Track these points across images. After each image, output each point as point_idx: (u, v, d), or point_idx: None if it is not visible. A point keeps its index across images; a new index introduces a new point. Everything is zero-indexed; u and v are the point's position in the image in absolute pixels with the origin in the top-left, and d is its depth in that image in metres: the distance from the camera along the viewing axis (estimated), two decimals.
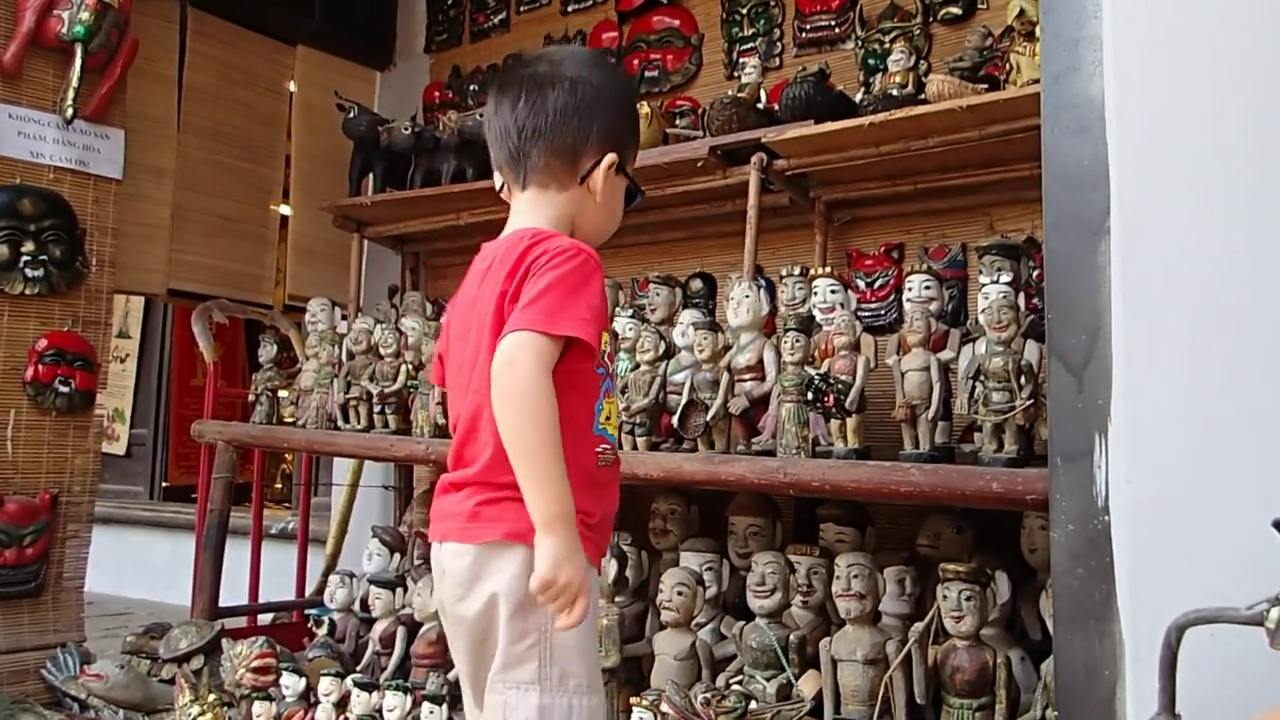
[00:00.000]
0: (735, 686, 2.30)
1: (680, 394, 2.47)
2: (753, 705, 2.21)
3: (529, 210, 1.53)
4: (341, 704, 2.58)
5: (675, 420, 2.48)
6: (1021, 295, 2.32)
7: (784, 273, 2.63)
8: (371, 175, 3.70)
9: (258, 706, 2.62)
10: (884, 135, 2.59)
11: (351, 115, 3.64)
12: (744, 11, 3.40)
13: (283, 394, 3.48)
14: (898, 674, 2.17)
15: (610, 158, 1.52)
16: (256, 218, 4.01)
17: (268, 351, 3.48)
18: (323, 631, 3.12)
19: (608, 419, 1.49)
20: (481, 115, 3.40)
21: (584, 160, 1.51)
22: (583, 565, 1.35)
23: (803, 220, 3.00)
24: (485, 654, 1.47)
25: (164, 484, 6.61)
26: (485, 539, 1.43)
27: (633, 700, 2.30)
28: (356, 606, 3.17)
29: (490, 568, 1.43)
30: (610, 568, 2.52)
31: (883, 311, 2.87)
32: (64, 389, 3.16)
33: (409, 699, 2.49)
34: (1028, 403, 2.03)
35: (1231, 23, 1.44)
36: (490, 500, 1.44)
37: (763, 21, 3.36)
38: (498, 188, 1.60)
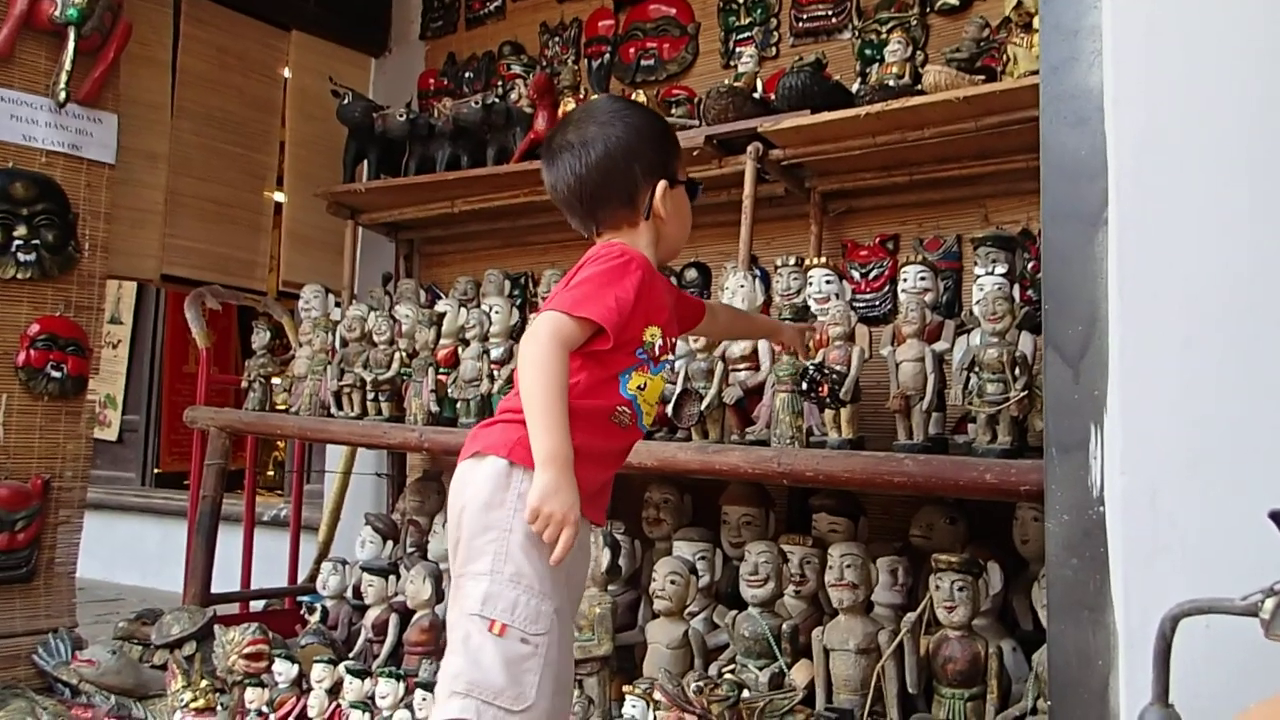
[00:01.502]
0: (728, 675, 2.30)
1: (674, 383, 2.47)
2: (745, 694, 2.22)
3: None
4: (334, 691, 2.58)
5: (669, 409, 2.47)
6: (1016, 287, 2.32)
7: (779, 263, 2.63)
8: (366, 162, 3.69)
9: (250, 693, 2.62)
10: (880, 126, 2.59)
11: (346, 102, 3.62)
12: (741, 1, 3.39)
13: (276, 381, 3.47)
14: (890, 663, 2.18)
15: (661, 187, 1.70)
16: (250, 204, 4.00)
17: (261, 338, 3.47)
18: (315, 618, 3.12)
19: (640, 389, 1.67)
20: (476, 102, 3.41)
21: (641, 200, 1.70)
22: (570, 502, 1.52)
23: (798, 210, 2.99)
24: (460, 558, 1.63)
25: (156, 470, 6.60)
26: (471, 452, 1.65)
27: (625, 689, 2.31)
28: (349, 594, 3.17)
29: (470, 476, 1.63)
30: (604, 556, 2.52)
31: (878, 302, 2.87)
32: (56, 374, 3.15)
33: (401, 686, 2.49)
34: (1022, 394, 2.03)
35: (1231, 14, 1.44)
36: (487, 424, 1.68)
37: (759, 11, 3.35)
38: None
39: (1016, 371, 2.04)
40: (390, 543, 3.25)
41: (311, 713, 2.58)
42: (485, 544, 1.58)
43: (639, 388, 1.68)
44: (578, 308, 1.59)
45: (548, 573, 1.57)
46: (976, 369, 2.10)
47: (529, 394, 1.56)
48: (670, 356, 1.78)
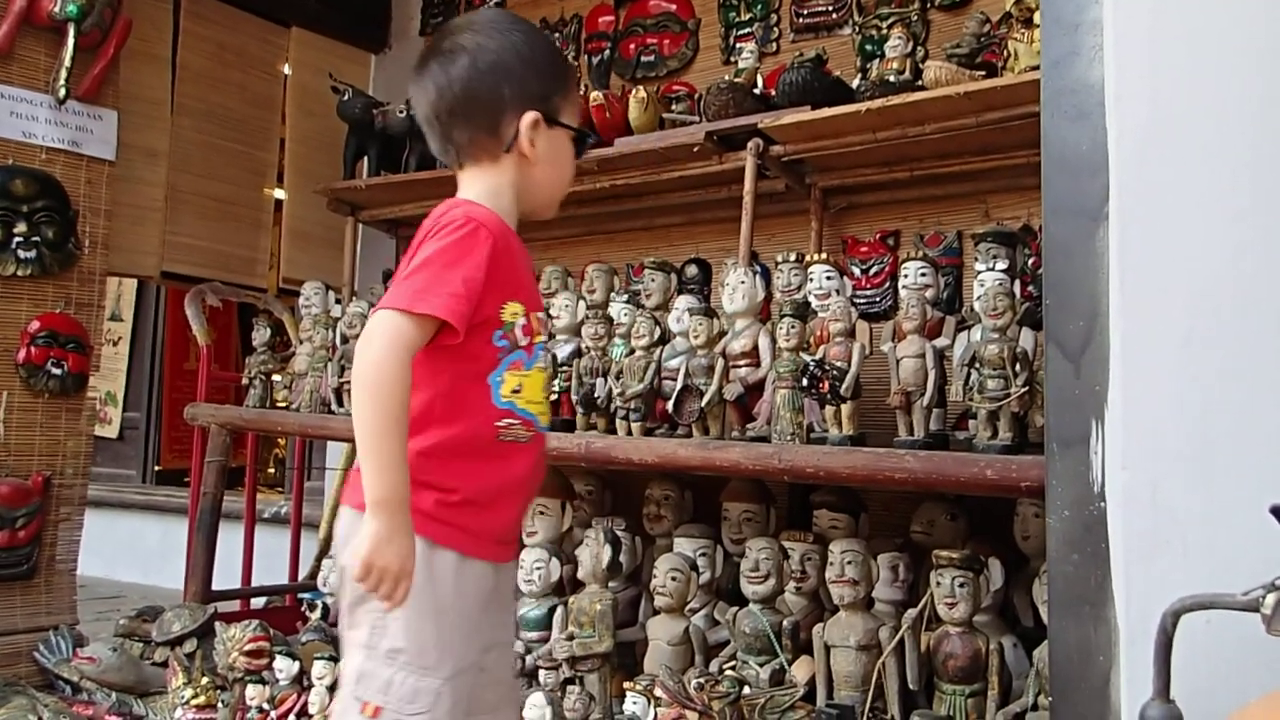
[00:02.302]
0: (728, 672, 2.30)
1: (675, 379, 2.47)
2: (746, 690, 2.22)
3: (467, 184, 1.53)
4: (334, 688, 2.58)
5: (670, 406, 2.48)
6: (1017, 283, 2.32)
7: (780, 259, 2.62)
8: (366, 158, 3.68)
9: (251, 690, 2.62)
10: (881, 121, 2.59)
11: (346, 98, 3.62)
12: None
13: (276, 378, 3.46)
14: (891, 660, 2.18)
15: (530, 117, 1.48)
16: (250, 200, 3.99)
17: (261, 335, 3.47)
18: (316, 615, 3.12)
19: (515, 392, 1.46)
20: None
21: (505, 128, 1.48)
22: (405, 551, 1.32)
23: (799, 206, 2.99)
24: (343, 618, 1.49)
25: (156, 467, 6.60)
26: (343, 501, 1.48)
27: (626, 685, 2.31)
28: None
29: (347, 533, 1.44)
30: (605, 553, 2.52)
31: (878, 298, 2.86)
32: (56, 371, 3.15)
33: None
34: (1022, 390, 2.03)
35: (1232, 9, 1.44)
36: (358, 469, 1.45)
37: (760, 6, 3.34)
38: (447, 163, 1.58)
39: (1017, 367, 2.04)
40: None
41: (312, 710, 2.58)
42: (363, 614, 1.42)
43: (514, 391, 1.46)
44: (418, 302, 1.35)
45: (435, 640, 1.41)
46: (977, 365, 2.09)
47: (359, 420, 1.33)
48: (543, 339, 1.53)
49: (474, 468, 1.43)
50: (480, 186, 1.51)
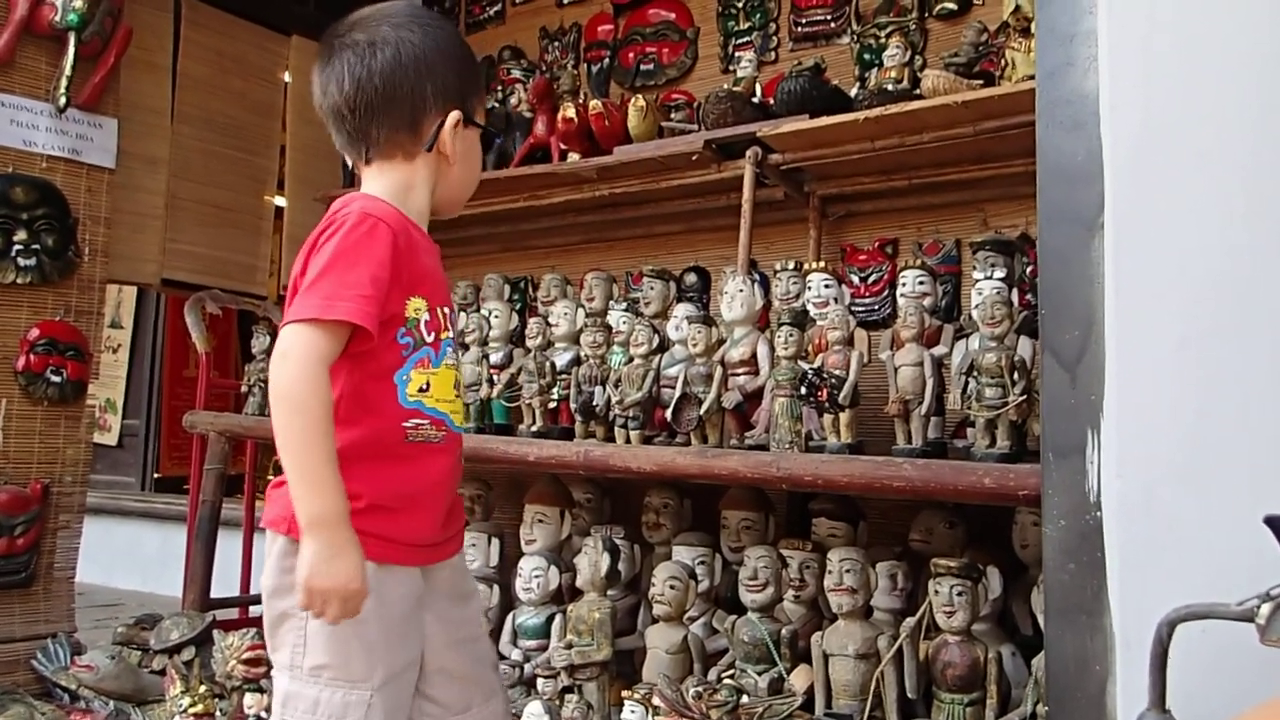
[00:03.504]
0: (727, 680, 2.30)
1: (674, 388, 2.47)
2: (744, 699, 2.22)
3: (376, 180, 1.47)
4: None
5: (669, 414, 2.48)
6: (1015, 291, 2.32)
7: (778, 267, 2.63)
8: None
9: (249, 698, 2.61)
10: (879, 130, 2.59)
11: None
12: (740, 5, 3.39)
13: None
14: (889, 669, 2.17)
15: (454, 116, 1.46)
16: (250, 208, 4.00)
17: (260, 343, 3.47)
18: None
19: (422, 390, 1.42)
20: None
21: (426, 126, 1.45)
22: (350, 568, 1.29)
23: (797, 215, 2.99)
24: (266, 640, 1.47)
25: (155, 475, 6.59)
26: (261, 522, 1.44)
27: (625, 694, 2.31)
28: None
29: (266, 550, 1.43)
30: (603, 561, 2.52)
31: (876, 306, 2.87)
32: (56, 379, 3.15)
33: None
34: (1020, 398, 2.03)
35: (1227, 19, 1.44)
36: (274, 485, 1.43)
37: (758, 15, 3.35)
38: (350, 165, 1.53)
39: (1015, 376, 2.04)
40: None
41: None
42: (284, 634, 1.40)
43: (421, 390, 1.42)
44: (327, 309, 1.31)
45: (360, 651, 1.38)
46: (975, 373, 2.09)
47: (284, 438, 1.29)
48: (449, 335, 1.49)
49: (381, 471, 1.39)
50: (389, 183, 1.47)
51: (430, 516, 1.48)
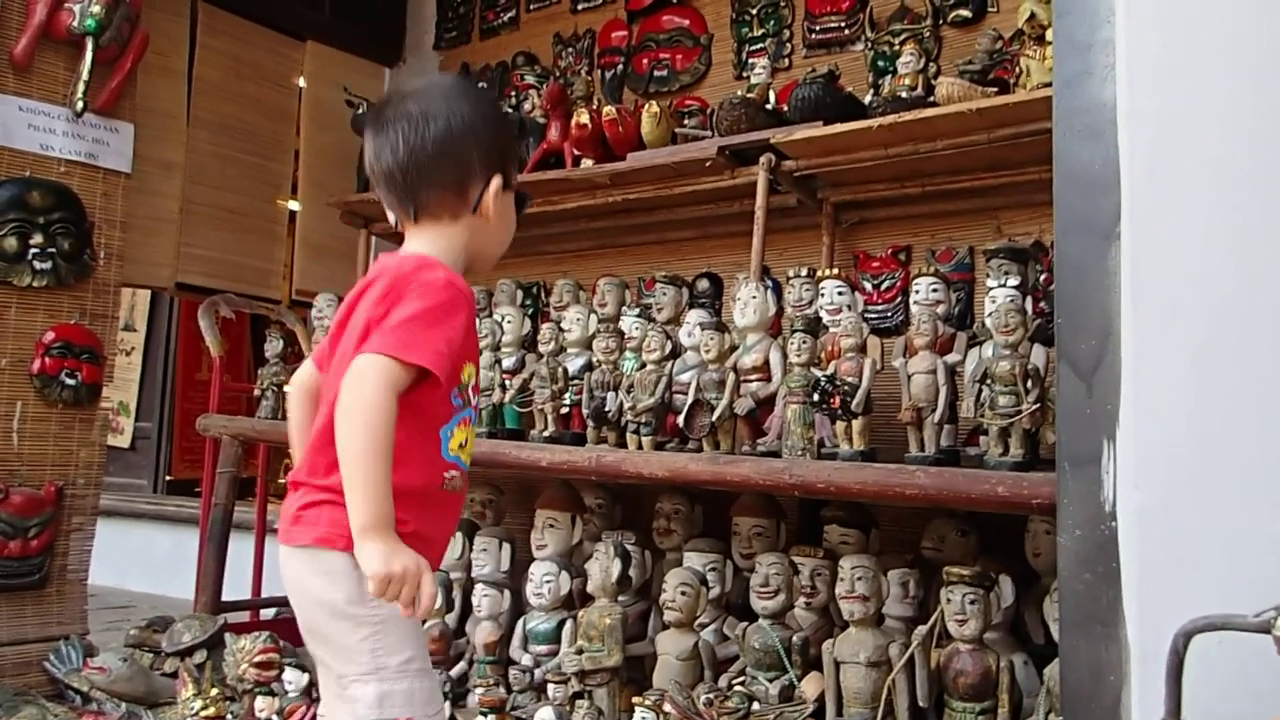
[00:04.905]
0: (738, 687, 2.30)
1: (686, 394, 2.47)
2: (755, 706, 2.22)
3: (423, 239, 1.59)
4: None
5: (681, 420, 2.48)
6: (1029, 299, 2.32)
7: (791, 274, 2.63)
8: None
9: (260, 701, 2.62)
10: (893, 137, 2.59)
11: (360, 111, 3.64)
12: (754, 12, 3.40)
13: (288, 389, 3.47)
14: (900, 677, 2.17)
15: (497, 182, 1.58)
16: (264, 212, 4.01)
17: (273, 346, 3.48)
18: None
19: (461, 446, 1.55)
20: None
21: (472, 190, 1.58)
22: (412, 555, 1.39)
23: (810, 221, 3.00)
24: (324, 654, 1.55)
25: (168, 478, 6.61)
26: (300, 540, 1.51)
27: (635, 700, 2.30)
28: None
29: (308, 575, 1.51)
30: (614, 567, 2.52)
31: (889, 314, 2.87)
32: (70, 382, 3.16)
33: None
34: (1034, 406, 2.03)
35: (1243, 30, 1.44)
36: (309, 505, 1.51)
37: (772, 22, 3.35)
38: (391, 222, 1.64)
39: (1029, 384, 2.04)
40: None
41: None
42: (360, 643, 1.47)
43: (460, 445, 1.55)
44: (410, 353, 1.43)
45: (424, 642, 1.56)
46: (989, 381, 2.09)
47: (352, 451, 1.40)
48: (476, 397, 1.64)
49: (421, 510, 1.50)
50: (443, 244, 1.59)
51: (440, 553, 1.63)
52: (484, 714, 2.42)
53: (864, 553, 2.43)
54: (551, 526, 2.82)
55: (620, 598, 2.59)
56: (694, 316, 2.66)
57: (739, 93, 2.95)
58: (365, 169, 1.65)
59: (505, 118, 1.72)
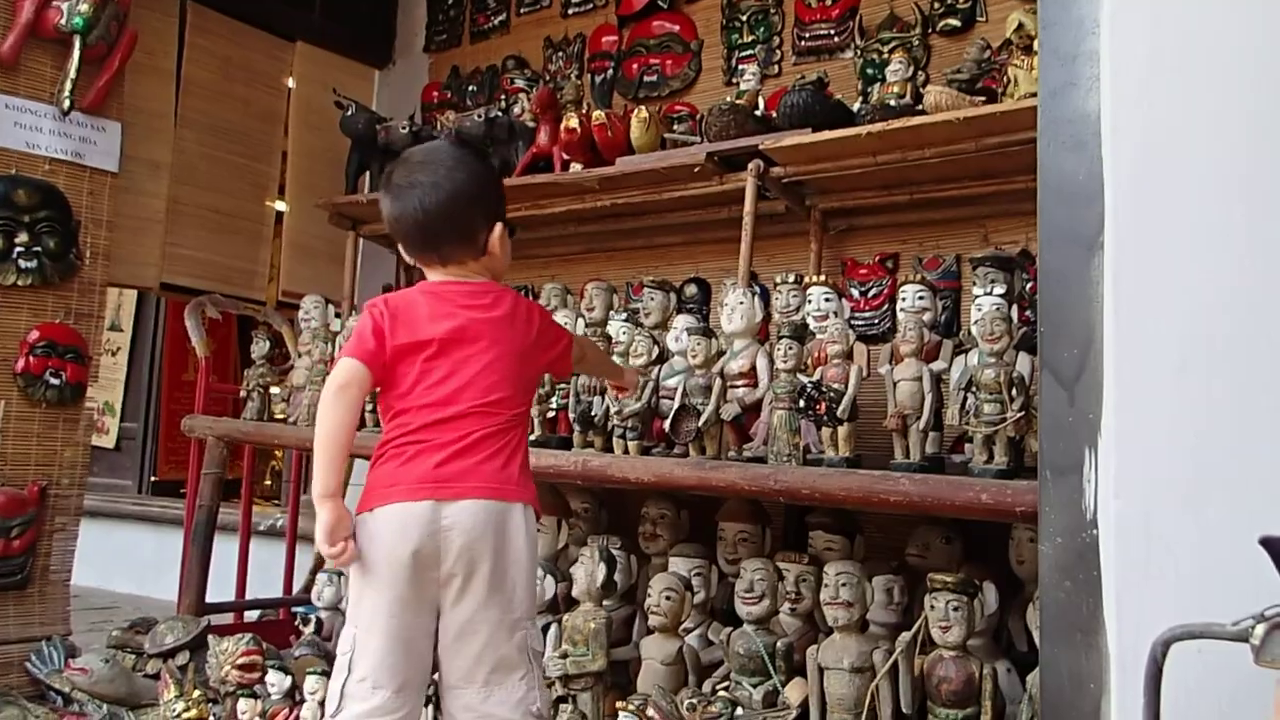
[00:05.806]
0: (722, 693, 2.30)
1: (673, 399, 2.47)
2: (739, 712, 2.22)
3: (466, 275, 1.94)
4: (325, 702, 2.57)
5: (667, 425, 2.48)
6: (1014, 307, 2.33)
7: (778, 280, 2.63)
8: (368, 173, 3.70)
9: (243, 704, 2.61)
10: (881, 145, 2.60)
11: (349, 113, 3.64)
12: (744, 18, 3.41)
13: (274, 391, 3.47)
14: (884, 683, 2.17)
15: (499, 228, 1.93)
16: (252, 213, 4.01)
17: (260, 348, 3.47)
18: (309, 630, 3.11)
19: None
20: (479, 115, 3.42)
21: (480, 239, 1.92)
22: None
23: (798, 228, 3.00)
24: (498, 600, 1.80)
25: (153, 478, 6.58)
26: (515, 498, 1.83)
27: (619, 704, 2.30)
28: (344, 605, 3.16)
29: (517, 526, 1.83)
30: (600, 571, 2.52)
31: (876, 321, 2.88)
32: (54, 381, 3.15)
33: None
34: (1019, 415, 2.04)
35: (1228, 41, 1.45)
36: (509, 463, 1.85)
37: (762, 29, 3.37)
38: (410, 262, 2.01)
39: (1014, 392, 2.05)
40: None
41: None
42: (532, 587, 1.87)
43: None
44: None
45: None
46: (974, 389, 2.10)
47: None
48: None
49: None
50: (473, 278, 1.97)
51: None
52: None
53: (849, 559, 2.43)
54: (537, 530, 2.82)
55: (605, 602, 2.59)
56: (681, 322, 2.66)
57: (728, 99, 2.96)
58: (385, 226, 1.96)
59: (496, 175, 2.07)
